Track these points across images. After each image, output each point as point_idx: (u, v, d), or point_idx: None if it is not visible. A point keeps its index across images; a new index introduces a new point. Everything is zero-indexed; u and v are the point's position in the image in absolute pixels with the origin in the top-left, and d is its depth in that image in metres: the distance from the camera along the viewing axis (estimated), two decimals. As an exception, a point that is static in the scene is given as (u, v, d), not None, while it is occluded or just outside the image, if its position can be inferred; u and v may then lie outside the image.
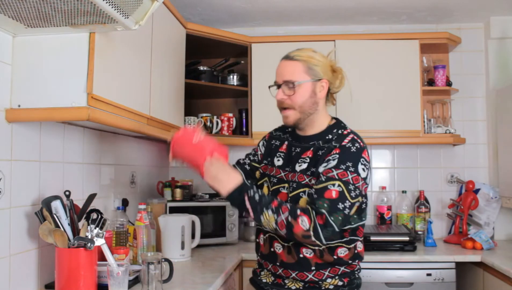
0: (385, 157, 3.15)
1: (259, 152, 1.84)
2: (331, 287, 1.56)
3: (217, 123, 2.88)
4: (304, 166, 1.57)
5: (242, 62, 2.95)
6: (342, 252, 1.56)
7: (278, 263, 1.61)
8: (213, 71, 2.86)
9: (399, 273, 2.45)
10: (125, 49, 1.74)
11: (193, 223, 2.37)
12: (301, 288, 1.58)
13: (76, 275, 1.46)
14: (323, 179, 1.46)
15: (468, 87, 3.09)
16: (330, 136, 1.59)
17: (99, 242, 1.51)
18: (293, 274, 1.57)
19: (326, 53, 1.69)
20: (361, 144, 1.53)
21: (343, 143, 1.51)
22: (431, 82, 2.96)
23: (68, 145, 1.85)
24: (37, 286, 1.63)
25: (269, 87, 1.66)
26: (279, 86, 1.59)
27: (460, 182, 3.01)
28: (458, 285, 2.55)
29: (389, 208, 2.97)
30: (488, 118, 3.05)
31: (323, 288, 1.56)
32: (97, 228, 1.53)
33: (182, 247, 2.27)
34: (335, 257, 1.55)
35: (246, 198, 1.45)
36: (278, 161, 1.69)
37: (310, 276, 1.55)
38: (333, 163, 1.48)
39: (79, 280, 1.46)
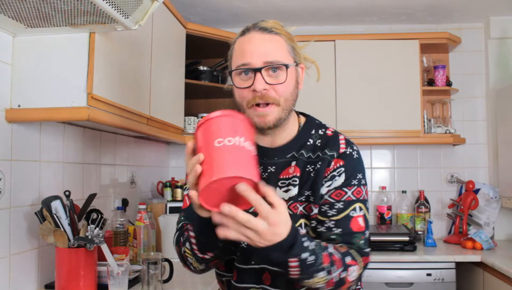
0: (385, 157, 3.15)
1: None
2: None
3: (217, 123, 2.87)
4: (295, 190, 1.12)
5: (242, 62, 2.95)
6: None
7: None
8: (213, 71, 2.86)
9: (399, 273, 2.45)
10: (125, 49, 1.74)
11: (193, 223, 2.37)
12: None
13: (76, 275, 1.46)
14: (341, 206, 1.11)
15: (468, 87, 3.09)
16: (312, 141, 1.18)
17: (99, 242, 1.51)
18: None
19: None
20: (354, 144, 1.19)
21: (342, 150, 1.14)
22: (431, 82, 2.96)
23: (68, 145, 1.85)
24: (37, 286, 1.63)
25: (230, 72, 1.13)
26: (255, 71, 1.07)
27: (460, 182, 3.01)
28: (458, 285, 2.55)
29: (389, 208, 2.97)
30: (488, 118, 3.05)
31: None
32: (97, 228, 1.53)
33: (182, 247, 2.27)
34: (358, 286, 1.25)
35: (294, 261, 0.94)
36: None
37: None
38: (340, 180, 1.12)
39: (79, 280, 1.46)
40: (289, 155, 1.17)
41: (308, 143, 1.17)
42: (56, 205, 1.51)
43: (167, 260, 1.74)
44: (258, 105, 1.09)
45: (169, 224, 2.28)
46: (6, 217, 1.49)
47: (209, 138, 0.87)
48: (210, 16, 3.00)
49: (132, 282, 1.70)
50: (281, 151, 1.17)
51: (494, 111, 2.97)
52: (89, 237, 1.50)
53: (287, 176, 1.15)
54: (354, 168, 1.14)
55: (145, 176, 2.76)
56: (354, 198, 1.12)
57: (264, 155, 1.16)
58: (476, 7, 2.84)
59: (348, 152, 1.15)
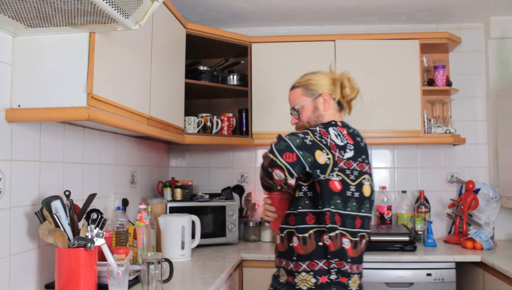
0: (385, 157, 3.15)
1: None
2: (303, 282, 1.55)
3: (217, 123, 2.88)
4: None
5: (242, 62, 2.95)
6: (327, 239, 1.53)
7: (276, 253, 1.71)
8: (213, 71, 2.86)
9: (399, 273, 2.45)
10: (125, 49, 1.74)
11: (193, 223, 2.37)
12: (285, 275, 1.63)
13: (76, 275, 1.46)
14: None
15: (468, 87, 3.09)
16: None
17: (99, 242, 1.51)
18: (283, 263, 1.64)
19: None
20: (320, 127, 1.60)
21: None
22: (431, 82, 2.96)
23: (68, 145, 1.85)
24: (37, 286, 1.63)
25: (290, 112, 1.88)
26: (290, 113, 1.82)
27: (460, 182, 3.01)
28: (458, 285, 2.55)
29: (389, 208, 2.97)
30: (488, 118, 3.05)
31: (296, 280, 1.56)
32: (97, 228, 1.53)
33: (182, 247, 2.27)
34: (320, 243, 1.54)
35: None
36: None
37: (291, 265, 1.59)
38: None
39: (79, 280, 1.46)
40: None
41: None
42: (56, 205, 1.51)
43: (167, 260, 1.74)
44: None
45: (169, 224, 2.28)
46: (6, 217, 1.49)
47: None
48: (210, 16, 3.00)
49: (132, 282, 1.70)
50: None
51: (494, 111, 2.97)
52: (89, 237, 1.50)
53: None
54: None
55: (145, 176, 2.76)
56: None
57: None
58: (476, 7, 2.84)
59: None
